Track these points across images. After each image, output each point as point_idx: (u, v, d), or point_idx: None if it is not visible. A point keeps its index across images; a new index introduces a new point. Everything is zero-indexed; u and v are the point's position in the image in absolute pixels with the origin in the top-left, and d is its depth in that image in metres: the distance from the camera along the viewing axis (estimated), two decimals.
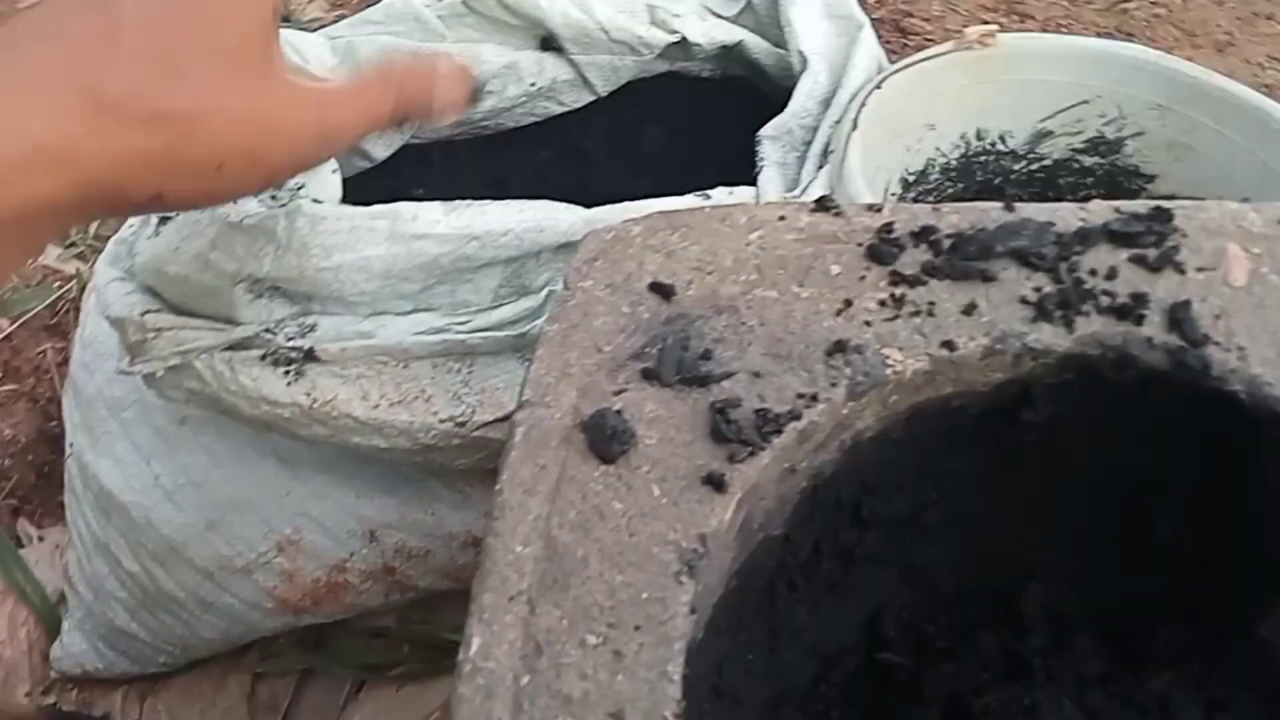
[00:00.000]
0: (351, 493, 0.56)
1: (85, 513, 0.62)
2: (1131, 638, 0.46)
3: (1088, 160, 0.75)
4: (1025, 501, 0.46)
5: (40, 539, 0.78)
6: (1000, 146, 0.75)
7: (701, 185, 0.63)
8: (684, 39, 0.70)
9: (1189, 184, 0.72)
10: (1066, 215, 0.43)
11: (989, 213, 0.43)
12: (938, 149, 0.74)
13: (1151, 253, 0.41)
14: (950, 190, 0.76)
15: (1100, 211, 0.43)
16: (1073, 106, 0.73)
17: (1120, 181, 0.75)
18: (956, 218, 0.43)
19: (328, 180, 0.55)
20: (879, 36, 0.72)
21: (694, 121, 0.81)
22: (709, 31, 0.70)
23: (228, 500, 0.56)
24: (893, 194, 0.73)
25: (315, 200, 0.52)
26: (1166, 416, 0.40)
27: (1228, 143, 0.69)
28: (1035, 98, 0.73)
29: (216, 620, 0.59)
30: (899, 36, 1.10)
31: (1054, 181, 0.77)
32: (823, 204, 0.45)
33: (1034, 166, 0.76)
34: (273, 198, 0.51)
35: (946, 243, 0.42)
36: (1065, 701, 0.42)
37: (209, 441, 0.56)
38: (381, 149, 0.73)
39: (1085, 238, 0.42)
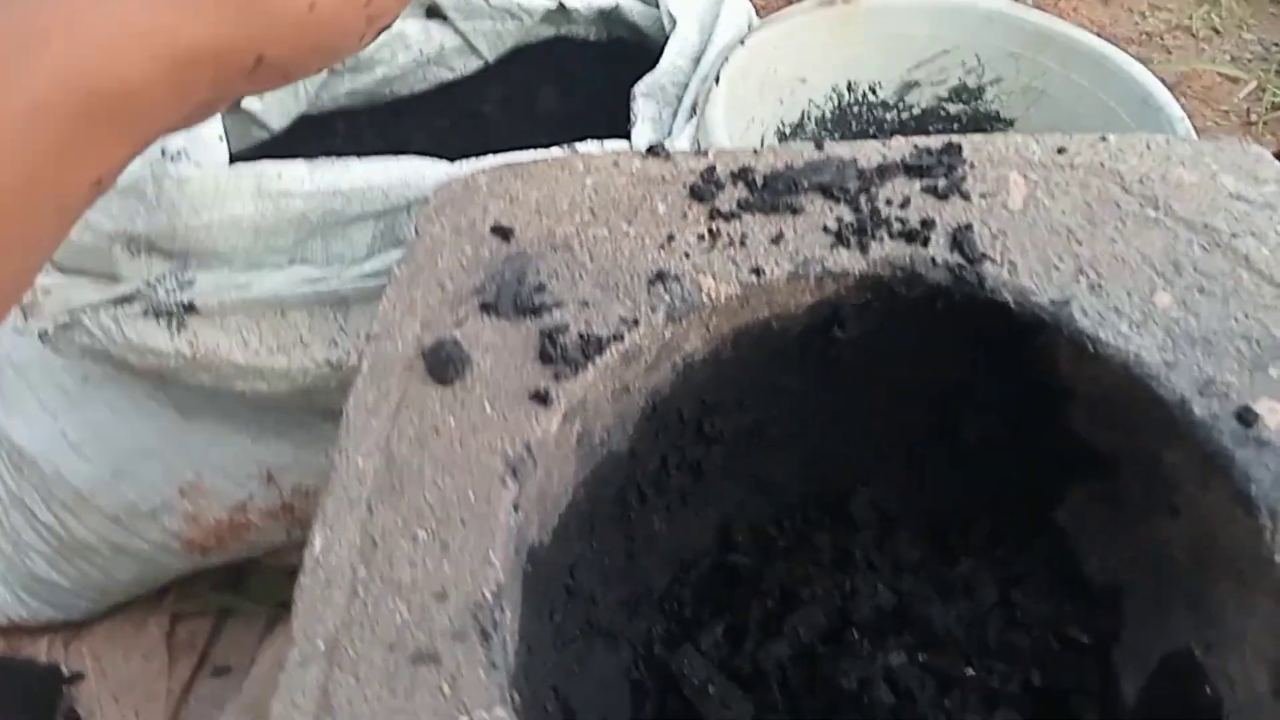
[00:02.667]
0: (248, 438, 0.59)
1: (1, 470, 0.65)
2: (949, 532, 0.51)
3: (953, 108, 0.80)
4: (853, 413, 0.51)
5: None
6: (871, 98, 0.80)
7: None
8: (562, 4, 0.74)
9: (1044, 126, 0.77)
10: (869, 152, 0.47)
11: (801, 152, 0.48)
12: (811, 101, 0.78)
13: (941, 182, 0.46)
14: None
15: (899, 147, 0.47)
16: (935, 57, 0.77)
17: (984, 127, 0.80)
18: (772, 158, 0.48)
19: (212, 147, 0.58)
20: None
21: (584, 82, 0.85)
22: None
23: (131, 450, 0.60)
24: (769, 146, 0.78)
25: (196, 164, 0.55)
26: (957, 327, 0.45)
27: (1074, 86, 0.73)
28: (899, 50, 0.77)
29: (130, 564, 0.63)
30: None
31: (924, 129, 0.81)
32: (653, 151, 0.49)
33: (904, 115, 0.81)
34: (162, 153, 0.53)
35: (760, 180, 0.46)
36: (880, 585, 0.47)
37: (111, 396, 0.60)
38: (278, 119, 0.76)
39: (884, 172, 0.46)
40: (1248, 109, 1.04)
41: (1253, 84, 1.03)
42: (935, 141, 0.47)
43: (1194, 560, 0.41)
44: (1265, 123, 1.03)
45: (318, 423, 0.60)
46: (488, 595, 0.36)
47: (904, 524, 0.51)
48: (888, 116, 0.81)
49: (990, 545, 0.50)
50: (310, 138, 0.81)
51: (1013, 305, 0.42)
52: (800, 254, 0.44)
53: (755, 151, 0.48)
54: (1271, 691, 0.35)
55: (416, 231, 0.46)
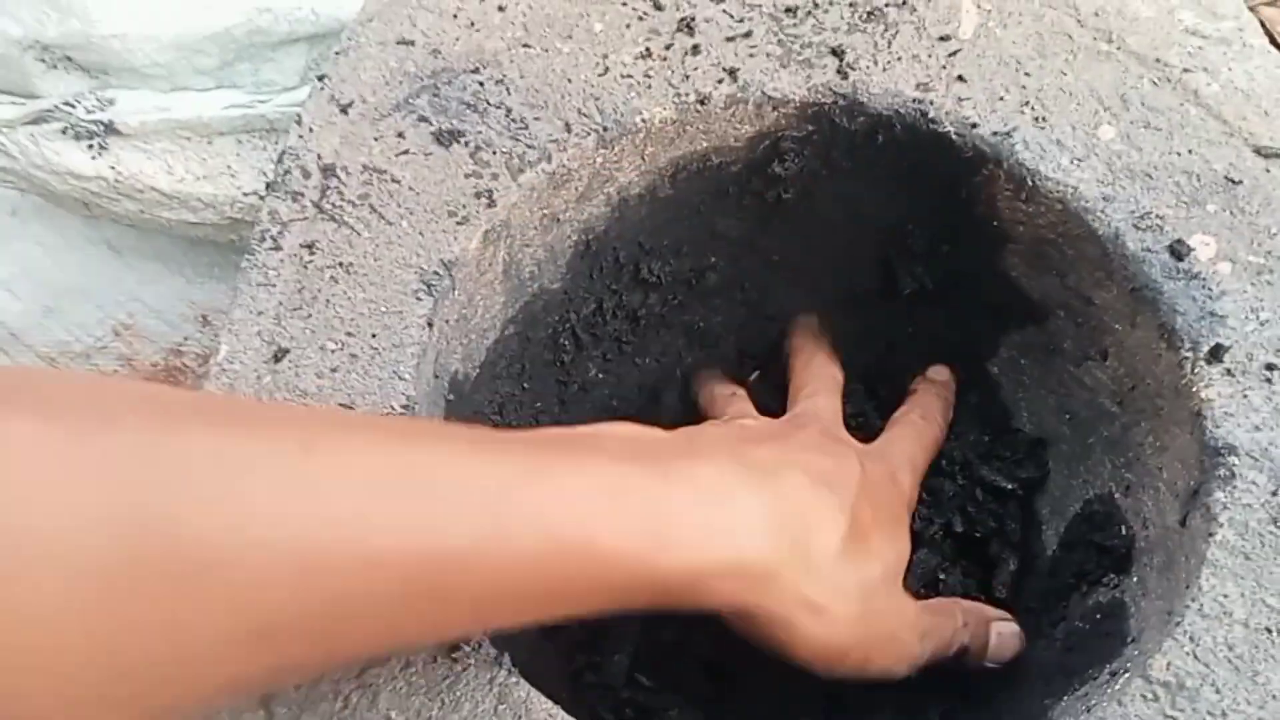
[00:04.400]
0: (181, 279, 0.58)
1: None
2: (882, 384, 0.50)
3: None
4: (794, 263, 0.50)
5: None
6: None
7: None
8: None
9: None
10: None
11: None
12: None
13: (891, 12, 0.44)
14: None
15: None
16: None
17: None
18: None
19: None
20: None
21: None
22: None
23: (63, 288, 0.58)
24: None
25: None
26: (897, 164, 0.43)
27: None
28: None
29: None
30: None
31: None
32: None
33: None
34: None
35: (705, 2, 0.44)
36: None
37: (40, 231, 0.58)
38: None
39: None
40: None
41: None
42: None
43: (1119, 403, 0.41)
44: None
45: None
46: (395, 408, 0.35)
47: (845, 379, 0.51)
48: None
49: None
50: None
51: (954, 137, 0.41)
52: (740, 78, 0.42)
53: None
54: (1179, 520, 0.35)
55: (340, 44, 0.44)
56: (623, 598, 0.28)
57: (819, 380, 0.45)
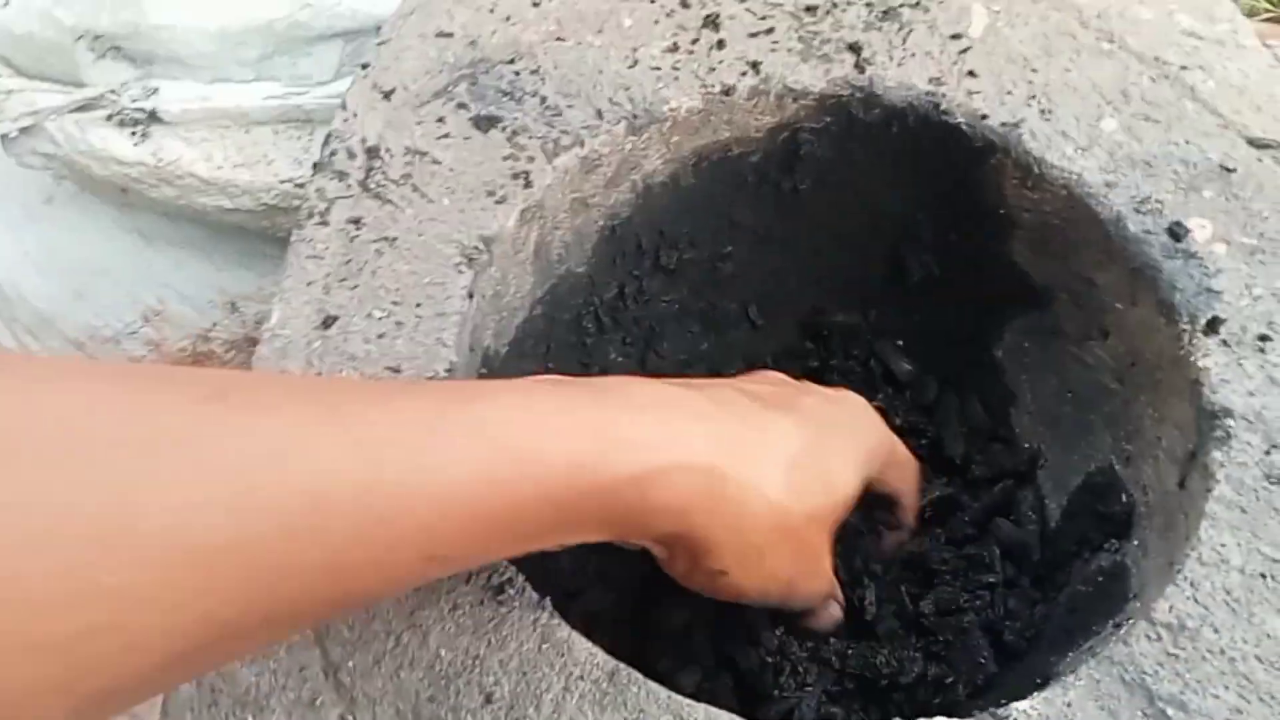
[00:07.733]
0: (211, 266, 0.60)
1: None
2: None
3: None
4: (808, 253, 0.52)
5: None
6: None
7: None
8: None
9: None
10: None
11: None
12: None
13: (906, 11, 0.46)
14: None
15: None
16: None
17: None
18: None
19: None
20: None
21: None
22: None
23: (93, 272, 0.60)
24: None
25: None
26: (910, 155, 0.46)
27: None
28: None
29: None
30: None
31: None
32: None
33: None
34: None
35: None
36: None
37: (74, 218, 0.60)
38: None
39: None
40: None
41: None
42: None
43: (1119, 379, 0.43)
44: None
45: (281, 254, 0.60)
46: (440, 371, 0.37)
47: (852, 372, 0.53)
48: None
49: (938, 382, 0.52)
50: None
51: (965, 127, 0.43)
52: (763, 71, 0.45)
53: None
54: (1178, 483, 0.37)
55: (381, 37, 0.46)
56: (572, 518, 0.28)
57: None
